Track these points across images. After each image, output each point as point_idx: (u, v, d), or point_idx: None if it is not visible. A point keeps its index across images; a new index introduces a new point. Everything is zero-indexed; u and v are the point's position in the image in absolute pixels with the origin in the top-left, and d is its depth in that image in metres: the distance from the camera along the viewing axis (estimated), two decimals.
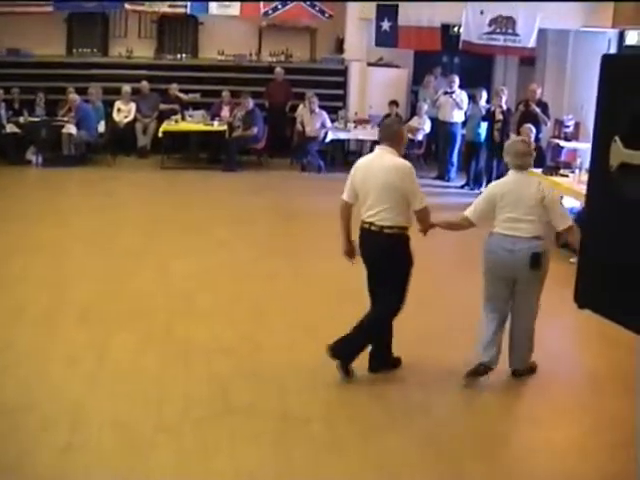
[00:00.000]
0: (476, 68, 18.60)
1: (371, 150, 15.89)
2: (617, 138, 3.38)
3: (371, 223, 6.58)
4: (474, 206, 6.94)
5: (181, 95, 17.26)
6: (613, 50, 15.16)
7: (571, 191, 11.26)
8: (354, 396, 6.52)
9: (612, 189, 3.43)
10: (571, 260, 10.52)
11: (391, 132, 6.78)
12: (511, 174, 6.83)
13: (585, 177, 11.28)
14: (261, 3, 17.27)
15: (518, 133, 13.62)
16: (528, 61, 17.79)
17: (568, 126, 15.89)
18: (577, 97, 16.27)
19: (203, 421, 5.95)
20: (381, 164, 6.57)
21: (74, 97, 16.03)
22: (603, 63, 3.56)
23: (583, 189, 10.77)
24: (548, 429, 6.15)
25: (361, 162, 6.85)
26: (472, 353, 6.83)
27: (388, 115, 16.63)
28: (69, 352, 7.13)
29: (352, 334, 6.71)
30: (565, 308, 8.38)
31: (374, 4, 16.43)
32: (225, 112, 16.76)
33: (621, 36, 15.05)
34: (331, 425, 5.98)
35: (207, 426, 5.89)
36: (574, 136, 15.90)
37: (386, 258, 6.69)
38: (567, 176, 11.82)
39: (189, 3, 17.17)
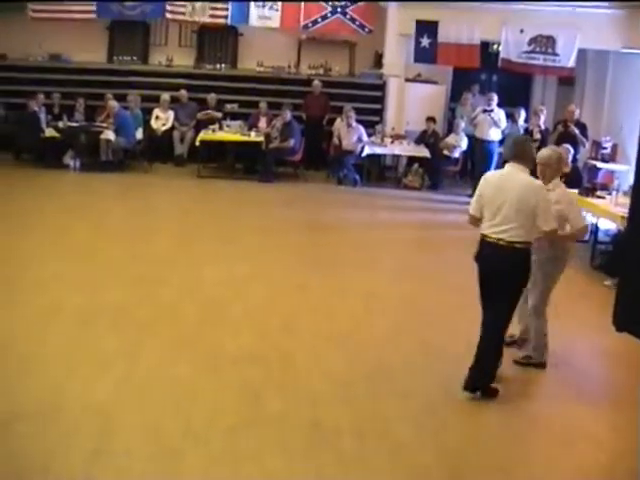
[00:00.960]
0: (514, 87, 18.58)
1: (409, 165, 16.11)
2: None
3: (500, 239, 6.62)
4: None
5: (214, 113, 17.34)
6: None
7: (607, 213, 11.18)
8: (385, 410, 6.47)
9: None
10: (605, 283, 10.48)
11: (522, 150, 6.83)
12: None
13: (622, 199, 11.27)
14: (301, 16, 17.33)
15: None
16: (567, 81, 17.72)
17: (606, 147, 15.78)
18: (616, 118, 16.18)
19: (232, 429, 5.94)
20: (516, 182, 6.63)
21: (113, 104, 16.18)
22: None
23: (620, 211, 10.78)
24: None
25: (491, 179, 6.88)
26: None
27: (425, 132, 16.66)
28: (100, 356, 7.17)
29: (480, 361, 6.80)
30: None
31: (414, 20, 16.42)
32: (262, 123, 16.82)
33: None
34: (361, 439, 5.95)
35: (236, 434, 5.87)
36: (611, 158, 15.79)
37: (513, 273, 6.69)
38: (604, 198, 11.73)
39: (229, 13, 17.26)
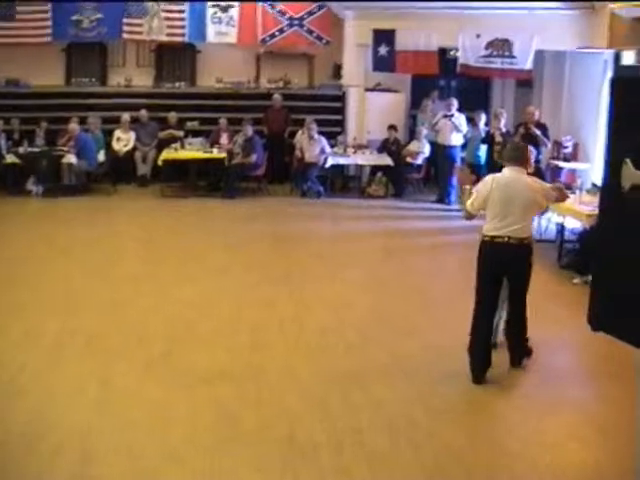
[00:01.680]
0: (473, 91, 18.68)
1: (372, 174, 16.12)
2: (628, 160, 3.36)
3: (509, 237, 7.12)
4: None
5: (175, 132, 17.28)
6: (610, 70, 15.17)
7: (573, 212, 11.25)
8: (360, 421, 6.45)
9: (625, 211, 3.41)
10: (574, 281, 10.54)
11: (521, 154, 7.38)
12: None
13: (586, 197, 11.36)
14: (259, 30, 17.33)
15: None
16: (525, 83, 17.80)
17: (567, 147, 15.87)
18: (575, 118, 16.29)
19: (210, 448, 5.90)
20: (523, 184, 7.19)
21: (74, 127, 16.07)
22: (612, 86, 3.55)
23: (584, 209, 10.87)
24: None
25: (498, 181, 7.29)
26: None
27: (387, 140, 16.69)
28: (77, 378, 7.18)
29: (515, 345, 7.60)
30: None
31: (371, 30, 16.46)
32: (224, 139, 16.77)
33: (617, 57, 15.04)
34: (339, 451, 5.92)
35: (214, 453, 5.84)
36: (573, 157, 15.89)
37: (525, 265, 7.29)
38: (568, 197, 11.77)
39: (186, 31, 17.22)
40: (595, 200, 11.54)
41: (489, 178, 7.41)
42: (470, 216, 7.55)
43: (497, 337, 7.76)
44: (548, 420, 6.67)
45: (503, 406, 6.95)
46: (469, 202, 7.48)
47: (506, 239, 7.11)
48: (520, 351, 7.63)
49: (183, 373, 7.33)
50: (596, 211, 10.86)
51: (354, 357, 7.88)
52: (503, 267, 7.24)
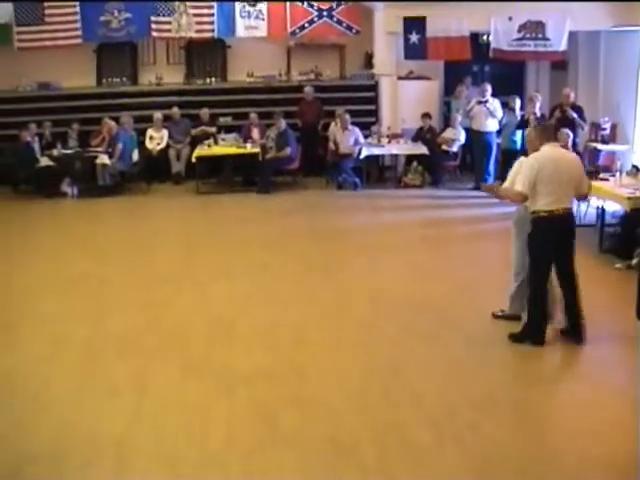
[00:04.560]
0: (507, 75, 18.42)
1: (408, 163, 15.96)
2: None
3: (569, 209, 7.67)
4: None
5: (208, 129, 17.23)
6: None
7: (613, 195, 11.02)
8: (402, 418, 6.34)
9: None
10: (617, 265, 10.34)
11: (552, 132, 8.08)
12: None
13: (626, 180, 11.14)
14: (288, 22, 17.23)
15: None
16: (560, 65, 17.54)
17: (605, 129, 15.58)
18: (612, 98, 16.02)
19: (250, 452, 5.82)
20: (569, 158, 7.84)
21: (112, 124, 16.14)
22: None
23: (625, 192, 10.64)
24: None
25: (544, 158, 7.57)
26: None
27: (421, 128, 16.52)
28: (109, 386, 7.08)
29: (573, 304, 7.86)
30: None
31: (401, 18, 16.30)
32: (255, 134, 16.66)
33: None
34: (381, 450, 5.82)
35: (254, 456, 5.76)
36: (611, 139, 15.61)
37: (575, 234, 7.81)
38: (607, 180, 11.57)
39: (215, 27, 17.16)
40: (635, 182, 11.34)
41: (531, 159, 7.65)
42: (522, 197, 7.65)
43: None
44: (592, 411, 6.53)
45: (545, 397, 6.81)
46: (519, 185, 7.63)
47: (563, 211, 7.55)
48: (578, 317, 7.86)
49: (222, 374, 7.26)
50: (638, 194, 10.73)
51: (395, 350, 7.79)
52: (566, 239, 7.68)
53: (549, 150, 7.62)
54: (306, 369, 7.36)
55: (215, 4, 17.11)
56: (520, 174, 7.67)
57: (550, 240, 7.60)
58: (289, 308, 9.15)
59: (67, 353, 7.89)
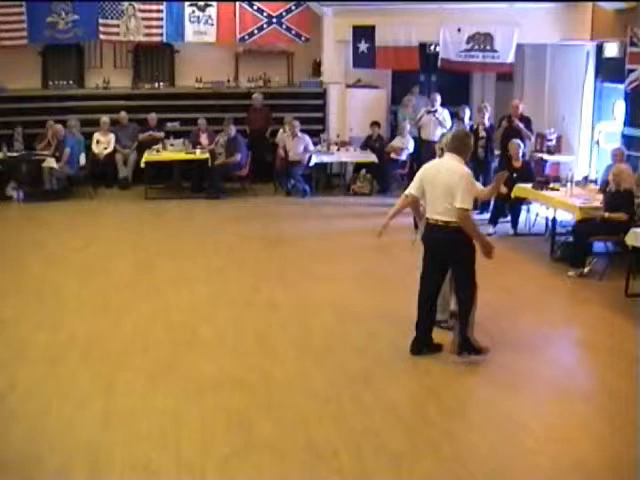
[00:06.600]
0: (454, 86, 18.61)
1: (356, 171, 16.06)
2: None
3: (439, 220, 7.46)
4: None
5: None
6: (592, 62, 15.23)
7: (564, 205, 11.24)
8: (375, 423, 6.37)
9: None
10: (569, 273, 10.54)
11: (459, 144, 7.52)
12: None
13: (577, 190, 11.37)
14: (237, 28, 17.21)
15: (504, 149, 13.63)
16: (505, 77, 17.81)
17: (550, 139, 15.91)
18: (557, 110, 16.34)
19: (226, 459, 5.77)
20: (451, 172, 7.33)
21: (58, 127, 15.90)
22: None
23: (577, 202, 10.86)
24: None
25: (430, 167, 7.65)
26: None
27: (370, 137, 16.63)
28: (76, 393, 6.96)
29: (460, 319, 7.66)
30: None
31: (350, 26, 16.39)
32: (203, 139, 16.62)
33: (599, 48, 15.09)
34: (358, 455, 5.83)
35: (231, 464, 5.71)
36: (557, 149, 15.94)
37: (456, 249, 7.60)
38: (558, 189, 11.79)
39: (164, 31, 17.05)
40: (585, 192, 11.57)
41: (422, 167, 7.77)
42: (412, 200, 7.79)
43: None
44: (559, 414, 6.65)
45: (510, 401, 6.87)
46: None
47: (432, 222, 7.49)
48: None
49: (191, 380, 7.20)
50: (588, 204, 10.96)
51: (361, 356, 7.82)
52: (436, 248, 7.56)
53: (440, 160, 7.77)
54: (273, 375, 7.34)
55: (164, 9, 17.01)
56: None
57: (425, 248, 7.71)
58: (250, 314, 9.13)
59: (28, 359, 7.72)
